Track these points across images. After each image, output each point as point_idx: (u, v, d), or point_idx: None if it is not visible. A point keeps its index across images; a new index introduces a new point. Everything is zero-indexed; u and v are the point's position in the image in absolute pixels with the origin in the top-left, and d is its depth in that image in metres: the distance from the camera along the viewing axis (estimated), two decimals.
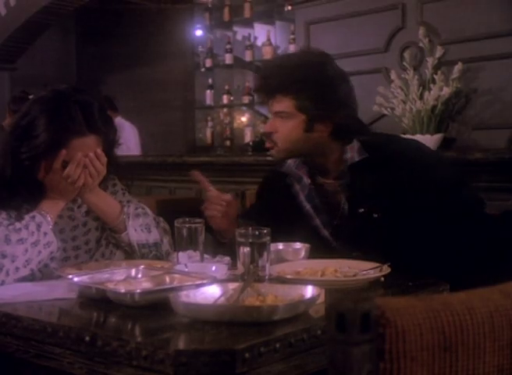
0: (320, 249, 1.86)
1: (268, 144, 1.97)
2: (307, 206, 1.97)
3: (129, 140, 6.21)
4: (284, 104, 1.88)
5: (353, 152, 1.90)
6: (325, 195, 1.98)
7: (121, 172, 2.01)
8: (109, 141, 1.86)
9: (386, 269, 1.65)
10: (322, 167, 1.97)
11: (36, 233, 1.73)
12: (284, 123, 1.90)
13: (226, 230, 1.96)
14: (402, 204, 1.83)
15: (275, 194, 2.06)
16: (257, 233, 1.57)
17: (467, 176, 2.85)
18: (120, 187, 2.00)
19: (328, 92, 1.87)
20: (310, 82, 1.86)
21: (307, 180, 1.99)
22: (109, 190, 1.96)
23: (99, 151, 1.80)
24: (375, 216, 1.85)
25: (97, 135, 1.80)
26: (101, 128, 1.81)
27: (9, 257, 1.67)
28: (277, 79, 1.89)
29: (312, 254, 1.81)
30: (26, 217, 1.75)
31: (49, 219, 1.77)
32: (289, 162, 2.02)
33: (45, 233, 1.74)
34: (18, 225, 1.73)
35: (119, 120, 6.08)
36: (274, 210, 2.02)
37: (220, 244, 1.98)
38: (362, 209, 1.87)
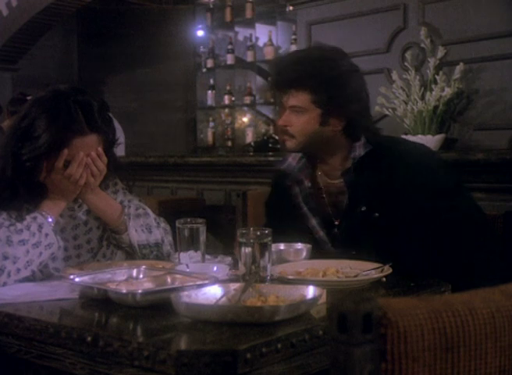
0: (315, 249, 1.88)
1: (282, 137, 1.97)
2: (305, 208, 2.00)
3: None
4: (299, 98, 1.89)
5: (360, 149, 1.92)
6: (324, 197, 1.99)
7: (122, 172, 2.01)
8: (109, 141, 1.86)
9: (388, 270, 1.65)
10: (328, 166, 1.98)
11: (37, 234, 1.73)
12: (299, 117, 1.91)
13: None
14: (400, 205, 1.84)
15: (279, 194, 2.08)
16: (258, 233, 1.57)
17: (469, 177, 2.86)
18: (121, 187, 2.00)
19: (343, 86, 1.89)
20: (325, 76, 1.87)
21: (307, 184, 2.00)
22: (110, 189, 1.96)
23: (100, 150, 1.80)
24: (376, 215, 1.86)
25: (97, 134, 1.80)
26: (102, 127, 1.81)
27: (11, 258, 1.67)
28: (292, 74, 1.90)
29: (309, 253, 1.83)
30: (28, 218, 1.75)
31: (50, 219, 1.77)
32: (291, 161, 2.03)
33: (46, 235, 1.74)
34: (19, 226, 1.72)
35: None
36: (277, 209, 2.05)
37: None
38: (364, 208, 1.88)
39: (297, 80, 1.88)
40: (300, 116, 1.90)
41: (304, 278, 1.60)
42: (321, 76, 1.87)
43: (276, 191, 2.13)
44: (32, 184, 1.80)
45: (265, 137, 6.65)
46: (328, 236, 1.97)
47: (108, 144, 1.86)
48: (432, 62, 3.61)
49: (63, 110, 1.76)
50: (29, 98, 4.80)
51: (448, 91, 3.46)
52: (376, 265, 1.70)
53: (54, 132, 1.74)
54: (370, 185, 1.88)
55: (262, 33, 6.78)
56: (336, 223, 1.96)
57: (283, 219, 1.97)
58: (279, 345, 1.18)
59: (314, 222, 1.98)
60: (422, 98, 3.53)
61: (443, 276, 1.65)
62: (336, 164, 1.96)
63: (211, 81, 7.30)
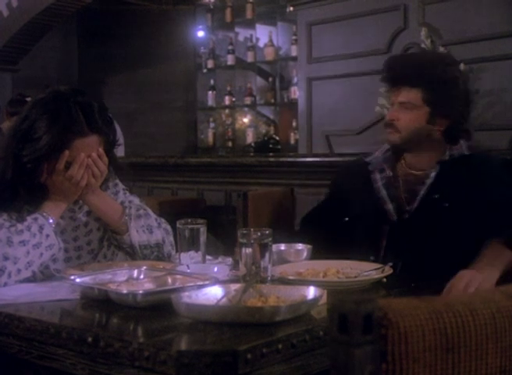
0: (386, 232, 1.99)
1: (388, 130, 2.05)
2: (383, 192, 2.06)
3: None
4: (411, 95, 1.99)
5: (461, 149, 2.01)
6: (400, 185, 2.07)
7: (122, 173, 2.01)
8: (110, 142, 1.86)
9: (388, 271, 1.65)
10: (415, 159, 2.06)
11: (38, 235, 1.73)
12: (408, 113, 2.00)
13: None
14: (473, 202, 1.91)
15: (354, 179, 2.15)
16: (259, 234, 1.57)
17: None
18: (121, 187, 2.00)
19: (453, 88, 2.00)
20: (438, 77, 1.98)
21: (389, 173, 2.08)
22: (110, 190, 1.96)
23: (101, 150, 1.80)
24: (446, 204, 1.93)
25: (98, 135, 1.80)
26: (102, 128, 1.81)
27: (11, 259, 1.67)
28: (408, 71, 2.01)
29: (380, 236, 1.97)
30: (29, 219, 1.75)
31: (51, 221, 1.77)
32: (377, 154, 2.12)
33: (47, 236, 1.74)
34: (20, 226, 1.73)
35: None
36: (350, 193, 2.12)
37: None
38: (437, 195, 1.95)
39: (412, 78, 1.98)
40: (409, 112, 1.99)
41: (305, 279, 1.60)
42: (436, 76, 1.98)
43: (349, 173, 2.21)
44: (32, 186, 1.80)
45: (266, 138, 6.65)
46: (398, 220, 2.02)
47: (109, 144, 1.86)
48: None
49: (64, 111, 1.76)
50: (28, 99, 4.80)
51: None
52: (376, 265, 1.70)
53: (55, 133, 1.74)
54: (453, 181, 1.96)
55: (263, 34, 6.78)
56: (408, 208, 2.02)
57: (355, 202, 2.06)
58: (280, 346, 1.18)
59: (390, 206, 2.03)
60: None
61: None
62: (425, 160, 2.03)
63: (212, 82, 7.30)
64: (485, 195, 1.91)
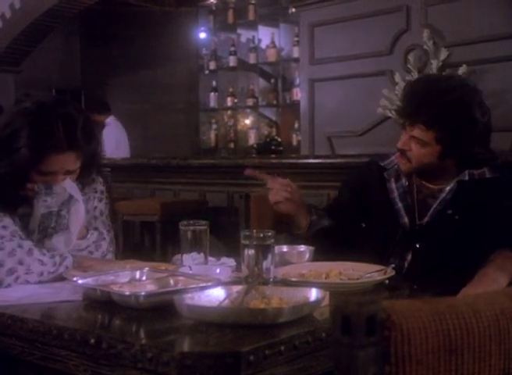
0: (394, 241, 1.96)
1: (400, 159, 1.99)
2: (399, 205, 2.02)
3: (116, 141, 6.29)
4: (424, 133, 1.89)
5: (482, 172, 1.95)
6: (414, 195, 2.03)
7: (103, 176, 2.03)
8: (90, 154, 1.84)
9: (391, 272, 1.65)
10: (433, 179, 2.01)
11: (57, 266, 1.74)
12: (419, 148, 1.92)
13: (295, 214, 1.96)
14: (483, 218, 1.87)
15: (369, 184, 2.10)
16: (261, 235, 1.57)
17: None
18: (100, 191, 1.99)
19: (470, 131, 1.90)
20: (456, 120, 1.88)
21: (405, 182, 2.03)
22: (88, 192, 1.94)
23: None
24: (456, 217, 1.90)
25: (76, 152, 1.79)
26: (82, 145, 1.79)
27: (25, 267, 1.69)
28: (425, 110, 1.88)
29: (388, 244, 1.94)
30: (56, 255, 1.76)
31: (73, 263, 1.78)
32: (393, 159, 2.06)
33: (67, 267, 1.75)
34: (43, 250, 1.75)
35: (109, 121, 6.31)
36: (366, 198, 2.08)
37: (296, 236, 1.98)
38: (450, 211, 1.92)
39: (430, 119, 1.88)
40: (420, 147, 1.92)
41: (307, 280, 1.60)
42: (455, 119, 1.88)
43: (363, 177, 2.13)
44: (6, 195, 1.78)
45: (268, 139, 6.66)
46: (410, 229, 1.99)
47: (90, 157, 1.84)
48: (434, 64, 3.61)
49: (45, 125, 1.75)
50: None
51: None
52: (379, 267, 1.70)
53: (33, 147, 1.73)
54: (469, 200, 1.91)
55: (265, 35, 6.79)
56: (419, 222, 1.98)
57: (370, 209, 2.02)
58: (282, 347, 1.18)
59: (406, 220, 1.99)
60: None
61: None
62: (441, 178, 1.98)
63: (214, 83, 7.30)
64: (500, 214, 1.87)
